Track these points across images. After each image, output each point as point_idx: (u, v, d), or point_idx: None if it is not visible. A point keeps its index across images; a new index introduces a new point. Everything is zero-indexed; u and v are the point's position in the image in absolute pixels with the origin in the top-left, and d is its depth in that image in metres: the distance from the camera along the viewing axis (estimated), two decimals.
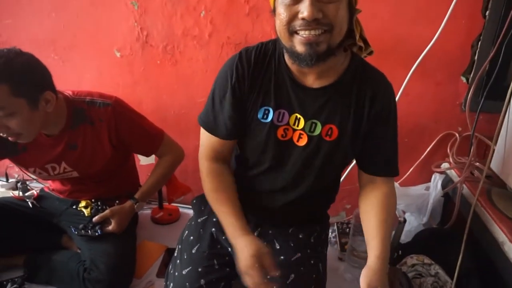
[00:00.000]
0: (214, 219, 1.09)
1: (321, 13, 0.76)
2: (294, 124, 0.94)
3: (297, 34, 0.80)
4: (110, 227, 1.28)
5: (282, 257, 1.02)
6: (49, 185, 1.48)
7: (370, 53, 0.90)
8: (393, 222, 0.99)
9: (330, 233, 1.52)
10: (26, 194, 1.46)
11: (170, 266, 1.07)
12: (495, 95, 1.28)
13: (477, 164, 1.36)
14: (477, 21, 1.33)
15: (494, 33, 1.31)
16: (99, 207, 1.36)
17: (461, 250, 1.12)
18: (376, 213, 0.95)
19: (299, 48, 0.80)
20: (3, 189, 1.77)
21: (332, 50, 0.82)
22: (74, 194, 1.41)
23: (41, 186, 1.58)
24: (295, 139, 0.95)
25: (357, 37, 0.84)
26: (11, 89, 1.01)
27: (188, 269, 1.00)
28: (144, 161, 1.73)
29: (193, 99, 1.62)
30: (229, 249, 1.03)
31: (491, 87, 1.29)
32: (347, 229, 1.60)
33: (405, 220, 1.35)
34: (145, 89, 1.67)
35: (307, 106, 0.92)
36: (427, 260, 1.24)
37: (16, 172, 1.87)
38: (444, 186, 1.46)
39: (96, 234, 1.27)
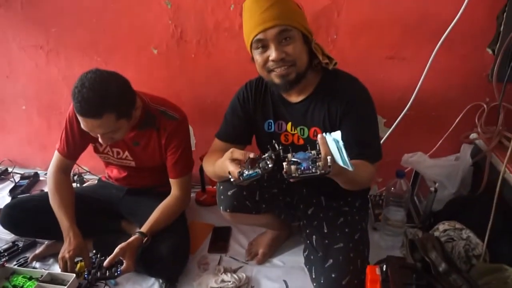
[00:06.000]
0: None
1: (283, 54, 1.04)
2: (291, 130, 1.25)
3: (272, 71, 1.09)
4: (123, 267, 1.23)
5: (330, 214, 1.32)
6: (107, 174, 1.65)
7: (335, 64, 1.13)
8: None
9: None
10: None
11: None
12: None
13: (506, 133, 1.41)
14: None
15: None
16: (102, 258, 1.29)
17: (492, 212, 1.19)
18: None
19: (276, 80, 1.10)
20: None
21: (301, 75, 1.10)
22: (128, 180, 1.58)
23: (95, 177, 1.74)
24: (295, 141, 1.25)
25: (320, 57, 1.11)
26: (116, 116, 1.21)
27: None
28: None
29: (228, 87, 1.68)
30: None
31: None
32: (380, 201, 1.69)
33: (436, 190, 1.43)
34: (182, 81, 1.79)
35: (294, 116, 1.23)
36: (458, 225, 1.32)
37: None
38: (473, 156, 1.52)
39: (116, 274, 1.24)
